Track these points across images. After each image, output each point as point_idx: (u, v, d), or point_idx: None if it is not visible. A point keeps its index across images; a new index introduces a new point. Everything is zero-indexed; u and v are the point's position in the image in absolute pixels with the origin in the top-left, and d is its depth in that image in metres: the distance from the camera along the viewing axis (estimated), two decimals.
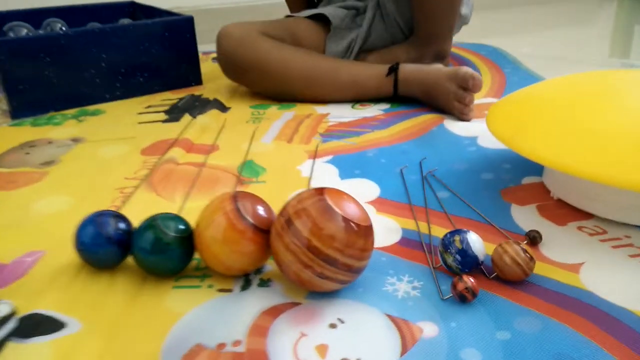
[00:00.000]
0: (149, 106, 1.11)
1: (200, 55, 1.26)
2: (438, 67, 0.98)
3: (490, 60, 1.34)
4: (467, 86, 0.91)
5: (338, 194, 0.50)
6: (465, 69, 0.93)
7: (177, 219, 0.54)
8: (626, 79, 0.68)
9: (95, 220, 0.54)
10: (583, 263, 0.54)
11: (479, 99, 1.06)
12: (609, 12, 2.27)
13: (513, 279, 0.51)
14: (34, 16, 1.42)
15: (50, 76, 1.08)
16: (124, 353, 0.45)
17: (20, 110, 1.07)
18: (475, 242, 0.52)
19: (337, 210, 0.48)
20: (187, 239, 0.54)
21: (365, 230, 0.49)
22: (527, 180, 0.71)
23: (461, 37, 1.44)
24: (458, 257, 0.51)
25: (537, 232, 0.57)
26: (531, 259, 0.50)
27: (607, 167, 0.54)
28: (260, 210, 0.53)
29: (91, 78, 1.13)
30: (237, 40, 1.04)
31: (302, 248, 0.47)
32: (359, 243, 0.48)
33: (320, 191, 0.50)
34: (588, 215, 0.62)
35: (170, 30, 1.19)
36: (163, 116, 1.04)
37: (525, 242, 0.57)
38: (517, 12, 2.26)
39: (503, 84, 1.15)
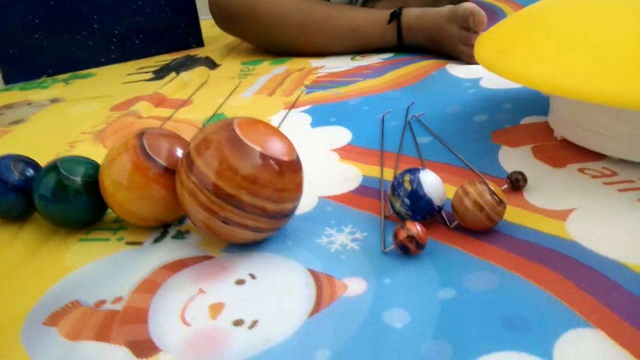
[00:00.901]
0: (141, 67, 1.05)
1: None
2: (441, 9, 0.85)
3: (522, 6, 1.18)
4: (469, 25, 0.79)
5: (252, 123, 0.41)
6: (465, 6, 0.80)
7: (87, 162, 0.47)
8: None
9: None
10: (574, 209, 0.42)
11: None
12: None
13: (477, 228, 0.40)
14: None
15: (40, 39, 1.05)
16: None
17: (12, 76, 1.05)
18: (430, 182, 0.41)
19: (246, 141, 0.39)
20: (96, 185, 0.46)
21: (285, 166, 0.39)
22: (527, 120, 0.58)
23: None
24: (407, 200, 0.41)
25: (521, 173, 0.45)
26: (500, 202, 0.39)
27: (614, 83, 0.41)
28: (174, 148, 0.45)
29: (83, 40, 1.08)
30: None
31: (203, 189, 0.38)
32: (274, 181, 0.39)
33: (230, 121, 0.41)
34: (598, 157, 0.49)
35: None
36: (150, 76, 0.98)
37: (506, 186, 0.46)
38: None
39: None
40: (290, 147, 0.41)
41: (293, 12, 0.93)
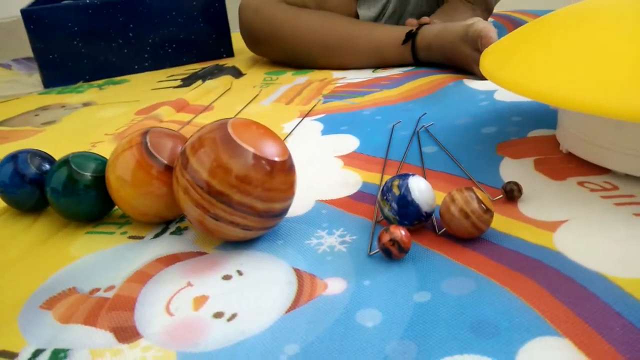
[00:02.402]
0: (171, 75, 1.09)
1: None
2: (455, 27, 0.85)
3: None
4: (478, 47, 0.78)
5: (246, 124, 0.42)
6: (476, 26, 0.79)
7: (97, 158, 0.50)
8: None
9: (13, 159, 0.51)
10: (565, 221, 0.41)
11: None
12: None
13: (463, 235, 0.40)
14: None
15: (79, 47, 1.10)
16: (2, 288, 0.41)
17: (51, 80, 1.10)
18: (419, 188, 0.42)
19: (237, 141, 0.40)
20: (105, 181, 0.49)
21: (276, 167, 0.41)
22: (535, 133, 0.58)
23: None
24: (395, 205, 0.41)
25: (516, 184, 0.45)
26: (486, 210, 0.39)
27: (612, 94, 0.41)
28: (176, 147, 0.47)
29: (119, 49, 1.13)
30: (254, 9, 0.99)
31: (196, 187, 0.40)
32: (265, 181, 0.40)
33: (225, 121, 0.42)
34: (602, 171, 0.48)
35: (200, 1, 1.16)
36: (178, 83, 1.02)
37: (501, 196, 0.46)
38: None
39: None
40: (283, 148, 0.42)
41: (315, 33, 0.95)
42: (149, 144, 0.46)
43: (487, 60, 0.53)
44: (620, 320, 0.30)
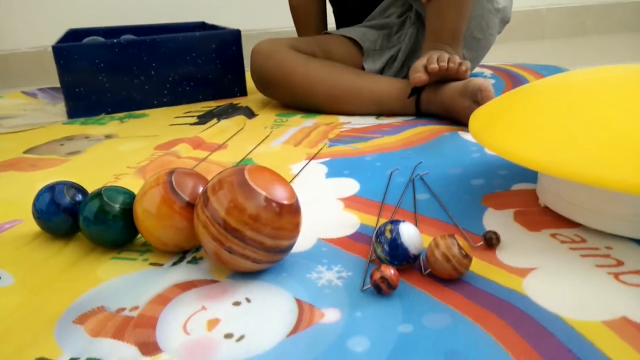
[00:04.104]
0: (188, 112, 1.17)
1: None
2: (455, 83, 0.92)
3: (543, 76, 1.24)
4: (478, 100, 0.85)
5: (260, 170, 0.49)
6: (475, 81, 0.87)
7: (126, 192, 0.56)
8: (610, 75, 0.60)
9: (51, 189, 0.57)
10: (535, 269, 0.47)
11: None
12: None
13: (444, 276, 0.46)
14: (113, 33, 1.57)
15: (104, 81, 1.18)
16: (38, 307, 0.47)
17: (75, 111, 1.18)
18: (409, 233, 0.48)
19: (252, 185, 0.47)
20: (132, 212, 0.55)
21: (285, 209, 0.47)
22: (517, 186, 0.64)
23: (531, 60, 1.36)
24: (387, 247, 0.47)
25: (495, 233, 0.51)
26: (465, 256, 0.45)
27: (580, 162, 0.47)
28: (197, 186, 0.53)
29: (141, 85, 1.21)
30: (266, 55, 1.07)
31: (214, 223, 0.46)
32: (274, 221, 0.46)
33: (242, 167, 0.49)
34: (574, 225, 0.54)
35: (218, 43, 1.25)
36: (194, 120, 1.09)
37: (481, 242, 0.52)
38: (609, 39, 2.09)
39: None
40: (291, 193, 0.49)
41: (323, 83, 1.03)
42: (173, 183, 0.52)
43: (475, 122, 0.59)
44: (570, 355, 0.36)
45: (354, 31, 1.15)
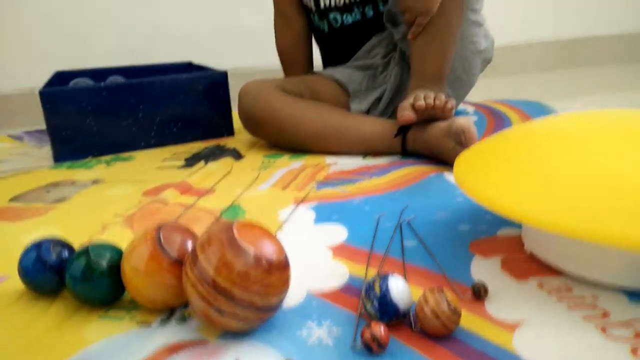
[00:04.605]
0: (175, 154, 1.17)
1: None
2: (439, 123, 0.94)
3: (529, 116, 1.27)
4: (461, 141, 0.87)
5: (249, 227, 0.49)
6: (458, 123, 0.89)
7: (113, 248, 0.56)
8: (591, 122, 0.61)
9: (37, 247, 0.57)
10: (523, 322, 0.47)
11: None
12: None
13: (434, 333, 0.46)
14: (100, 75, 1.57)
15: (91, 124, 1.18)
16: None
17: (62, 155, 1.17)
18: (398, 289, 0.48)
19: (240, 242, 0.47)
20: (119, 269, 0.54)
21: (274, 266, 0.47)
22: (503, 231, 0.65)
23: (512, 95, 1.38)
24: (376, 303, 0.48)
25: (483, 284, 0.52)
26: (454, 311, 0.45)
27: (561, 214, 0.48)
28: (185, 242, 0.53)
29: (128, 127, 1.21)
30: (254, 96, 1.08)
31: (203, 282, 0.46)
32: (263, 278, 0.46)
33: (231, 224, 0.49)
34: (559, 273, 0.55)
35: (205, 84, 1.26)
36: (182, 163, 1.09)
37: (470, 294, 0.52)
38: (588, 72, 2.15)
39: None
40: (280, 249, 0.49)
41: (310, 123, 1.05)
42: (161, 239, 0.52)
43: (459, 168, 0.60)
44: None
45: (339, 72, 1.17)
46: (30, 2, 1.75)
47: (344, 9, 1.17)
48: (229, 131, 1.31)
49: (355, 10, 1.17)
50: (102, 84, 1.19)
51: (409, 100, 0.96)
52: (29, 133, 1.43)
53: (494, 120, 1.24)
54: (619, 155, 0.53)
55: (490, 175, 0.56)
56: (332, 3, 1.17)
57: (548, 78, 1.98)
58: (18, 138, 1.38)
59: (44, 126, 1.33)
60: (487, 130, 1.16)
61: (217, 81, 1.28)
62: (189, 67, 1.67)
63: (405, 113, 0.94)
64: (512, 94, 1.58)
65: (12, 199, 0.93)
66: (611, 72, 2.04)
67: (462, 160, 0.63)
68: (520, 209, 0.49)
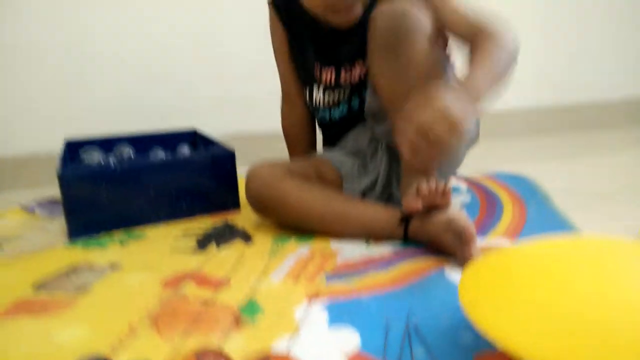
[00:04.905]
0: (186, 232, 1.23)
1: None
2: (441, 218, 1.01)
3: (517, 195, 1.36)
4: (461, 238, 0.94)
5: None
6: (457, 222, 0.96)
7: None
8: (593, 251, 0.69)
9: None
10: None
11: (491, 239, 1.08)
12: None
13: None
14: (107, 143, 1.64)
15: (105, 202, 1.24)
16: None
17: (76, 230, 1.22)
18: None
19: None
20: None
21: None
22: None
23: (498, 161, 1.47)
24: None
25: None
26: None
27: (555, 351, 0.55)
28: None
29: (140, 204, 1.27)
30: (263, 181, 1.15)
31: None
32: None
33: None
34: None
35: (214, 162, 1.33)
36: (193, 244, 1.15)
37: None
38: (569, 136, 2.27)
39: (522, 224, 1.17)
40: None
41: (315, 208, 1.12)
42: None
43: (465, 295, 0.67)
44: None
45: (334, 156, 1.25)
46: (40, 72, 1.82)
47: (331, 106, 1.25)
48: (235, 204, 1.38)
49: (342, 105, 1.25)
50: (115, 161, 1.25)
51: (413, 190, 1.03)
52: (40, 204, 1.48)
53: (487, 202, 1.32)
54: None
55: (498, 309, 0.63)
56: (320, 103, 1.26)
57: (527, 143, 2.09)
58: (30, 210, 1.43)
59: (51, 191, 1.38)
60: (481, 213, 1.24)
61: (225, 159, 1.35)
62: (193, 135, 1.75)
63: (412, 202, 1.01)
64: (497, 159, 1.68)
65: (36, 286, 0.97)
66: (585, 137, 2.16)
67: (468, 286, 0.70)
68: (532, 350, 0.56)
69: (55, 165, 1.73)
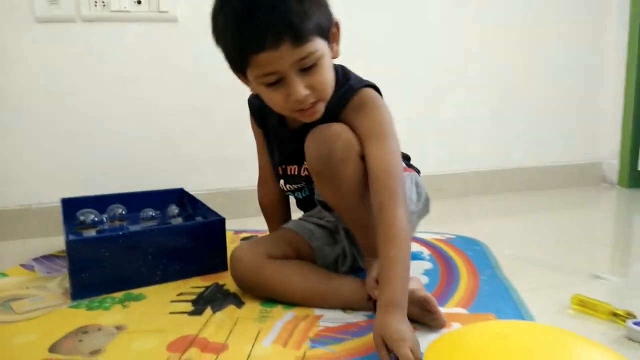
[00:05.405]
0: (180, 294, 1.37)
1: (232, 234, 1.54)
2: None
3: (472, 263, 1.56)
4: (427, 308, 1.12)
5: None
6: (418, 293, 1.12)
7: None
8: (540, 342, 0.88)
9: None
10: None
11: (448, 308, 1.26)
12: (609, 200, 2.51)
13: None
14: (102, 201, 1.77)
15: (106, 266, 1.37)
16: None
17: (79, 292, 1.35)
18: None
19: None
20: None
21: None
22: None
23: (459, 221, 1.67)
24: None
25: None
26: None
27: None
28: None
29: (138, 267, 1.41)
30: (246, 267, 1.30)
31: None
32: None
33: None
34: None
35: (206, 229, 1.49)
36: (190, 306, 1.29)
37: None
38: (525, 196, 2.52)
39: (475, 293, 1.36)
40: None
41: (297, 289, 1.28)
42: None
43: None
44: None
45: (305, 229, 1.42)
46: (40, 135, 1.95)
47: (295, 190, 1.44)
48: (223, 266, 1.53)
49: (305, 189, 1.42)
50: (121, 232, 1.38)
51: (372, 275, 1.20)
52: (37, 260, 1.58)
53: (445, 269, 1.52)
54: None
55: None
56: (285, 189, 1.44)
57: (481, 201, 2.33)
58: (29, 268, 1.54)
59: (43, 243, 1.48)
60: (442, 280, 1.43)
61: (216, 226, 1.51)
62: (181, 193, 1.90)
63: (372, 291, 1.19)
64: (452, 216, 1.90)
65: (51, 349, 1.09)
66: (529, 197, 2.41)
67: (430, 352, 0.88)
68: None
69: (43, 217, 1.86)
